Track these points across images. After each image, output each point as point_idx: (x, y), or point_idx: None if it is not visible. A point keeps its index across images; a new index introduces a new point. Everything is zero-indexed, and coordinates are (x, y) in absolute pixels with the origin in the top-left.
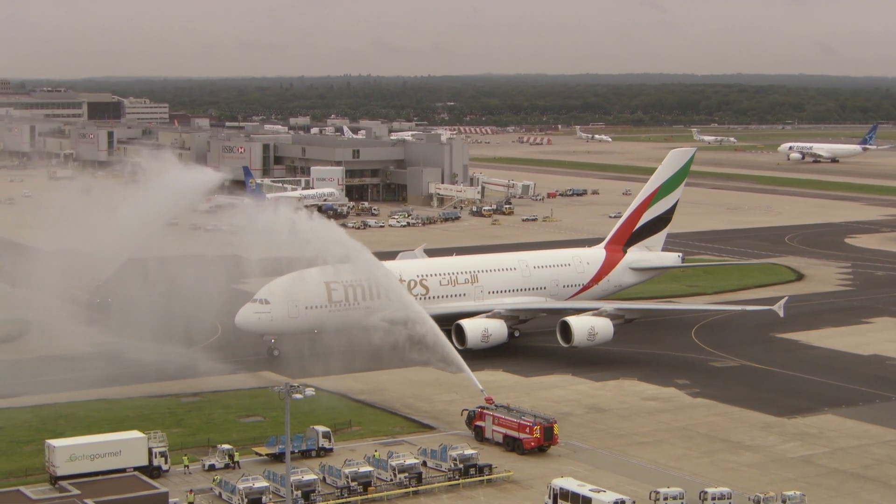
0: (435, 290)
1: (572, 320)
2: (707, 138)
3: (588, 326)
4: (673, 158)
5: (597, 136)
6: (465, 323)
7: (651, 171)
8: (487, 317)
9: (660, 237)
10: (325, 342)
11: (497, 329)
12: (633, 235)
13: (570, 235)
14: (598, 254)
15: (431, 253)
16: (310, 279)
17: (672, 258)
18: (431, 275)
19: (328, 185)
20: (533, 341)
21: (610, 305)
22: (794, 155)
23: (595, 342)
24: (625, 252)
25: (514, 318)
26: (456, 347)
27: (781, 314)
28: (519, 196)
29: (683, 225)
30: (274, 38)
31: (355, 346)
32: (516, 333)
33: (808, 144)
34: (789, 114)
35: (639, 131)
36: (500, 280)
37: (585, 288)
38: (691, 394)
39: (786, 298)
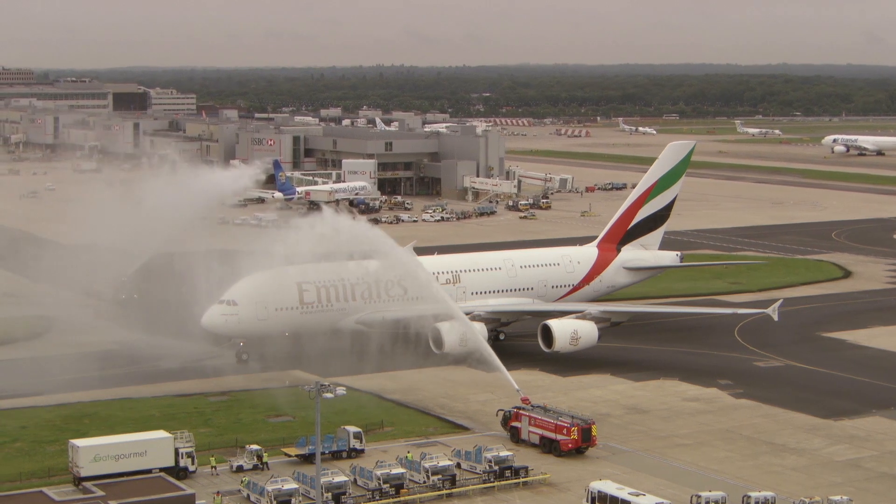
0: (413, 290)
1: (553, 324)
2: (751, 130)
3: (571, 330)
4: (671, 152)
5: (640, 129)
6: (442, 326)
7: (693, 163)
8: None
9: (656, 235)
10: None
11: (476, 332)
12: (627, 233)
13: None
14: (589, 253)
15: (420, 251)
16: (280, 279)
17: (670, 257)
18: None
19: (360, 178)
20: None
21: (595, 308)
22: (839, 148)
23: (578, 347)
24: (618, 251)
25: (496, 321)
26: (433, 351)
27: (775, 318)
28: (557, 190)
29: (726, 220)
30: (302, 27)
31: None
32: (501, 336)
33: (852, 137)
34: (836, 105)
35: (681, 123)
36: (484, 280)
37: (576, 289)
38: (734, 394)
39: (780, 301)
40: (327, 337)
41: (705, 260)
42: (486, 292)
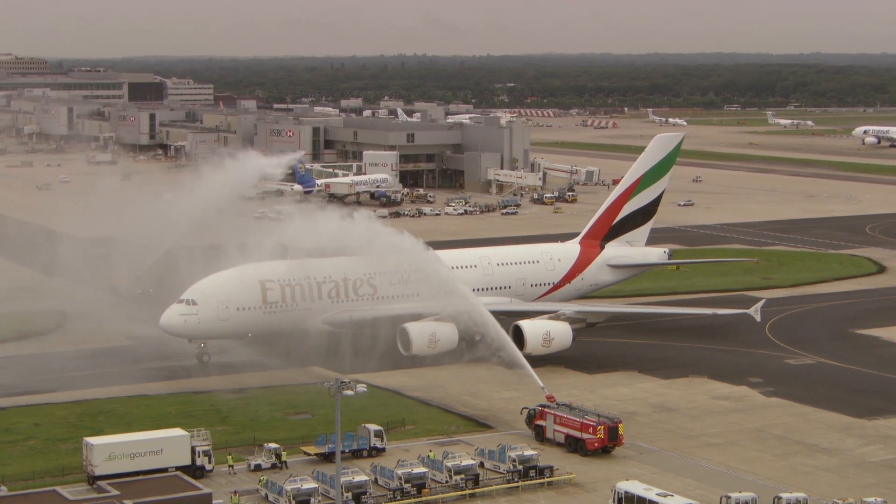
0: (384, 289)
1: (525, 324)
2: (783, 122)
3: (543, 331)
4: (658, 144)
5: (670, 120)
6: (410, 326)
7: (723, 156)
8: (436, 319)
9: (643, 231)
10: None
11: (446, 333)
12: (612, 229)
13: None
14: (571, 249)
15: None
16: (242, 278)
17: (656, 254)
18: (380, 273)
19: (381, 170)
20: (597, 335)
21: (569, 308)
22: (870, 139)
23: (551, 349)
24: (602, 247)
25: (467, 321)
26: (401, 353)
27: (758, 318)
28: (583, 182)
29: (757, 214)
30: (322, 15)
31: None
32: (477, 337)
33: (884, 128)
34: (871, 95)
35: (710, 114)
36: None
37: (556, 287)
38: (765, 393)
39: (763, 301)
40: (292, 338)
41: (696, 256)
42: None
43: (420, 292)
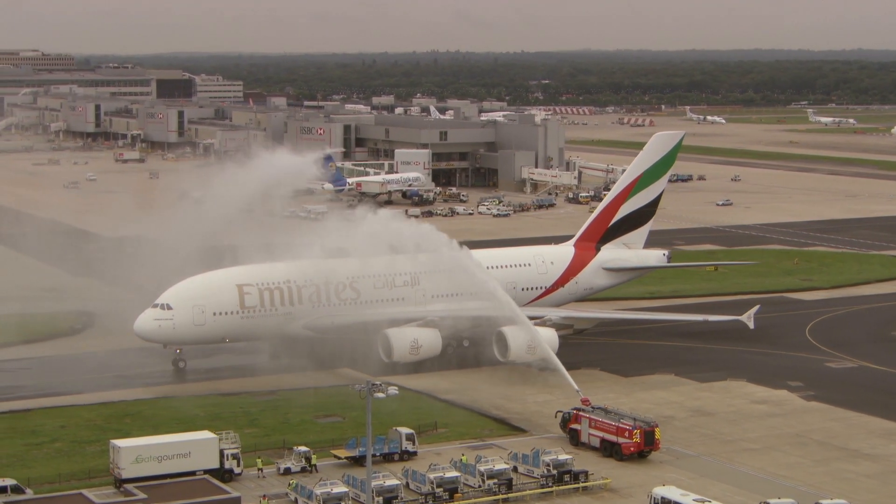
0: (368, 293)
1: (508, 331)
2: (824, 119)
3: (528, 338)
4: (657, 143)
5: (709, 118)
6: (391, 332)
7: (763, 154)
8: (419, 325)
9: (641, 233)
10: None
11: (429, 339)
12: (608, 231)
13: (674, 224)
14: (565, 252)
15: None
16: (219, 282)
17: (655, 257)
18: (365, 276)
19: (413, 169)
20: (632, 338)
21: (556, 314)
22: None
23: (536, 355)
24: (597, 250)
25: (452, 327)
26: (382, 360)
27: (751, 325)
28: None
29: (798, 214)
30: (351, 10)
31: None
32: (465, 343)
33: None
34: None
35: (749, 112)
36: (446, 282)
37: (549, 291)
38: (805, 397)
39: (757, 307)
40: (272, 343)
41: (694, 259)
42: (447, 295)
43: (405, 297)
